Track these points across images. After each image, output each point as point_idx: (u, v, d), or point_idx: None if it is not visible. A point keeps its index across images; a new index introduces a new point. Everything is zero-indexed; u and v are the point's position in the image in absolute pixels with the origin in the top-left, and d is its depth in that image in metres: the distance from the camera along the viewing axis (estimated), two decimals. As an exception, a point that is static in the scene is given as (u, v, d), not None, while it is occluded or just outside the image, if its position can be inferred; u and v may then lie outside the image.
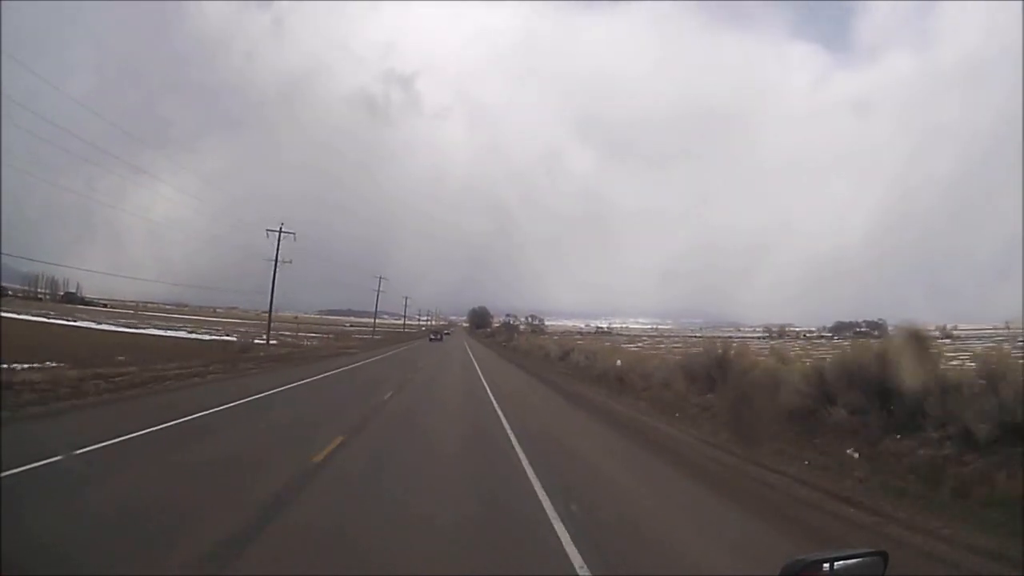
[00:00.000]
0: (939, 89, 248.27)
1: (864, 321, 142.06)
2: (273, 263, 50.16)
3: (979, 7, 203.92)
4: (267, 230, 50.73)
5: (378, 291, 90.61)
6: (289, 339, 58.71)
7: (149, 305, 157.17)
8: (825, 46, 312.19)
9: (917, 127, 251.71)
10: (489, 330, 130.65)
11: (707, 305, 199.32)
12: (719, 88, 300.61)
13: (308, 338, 65.49)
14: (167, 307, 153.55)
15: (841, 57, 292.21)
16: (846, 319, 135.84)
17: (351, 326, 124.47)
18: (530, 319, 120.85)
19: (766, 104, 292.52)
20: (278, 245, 50.59)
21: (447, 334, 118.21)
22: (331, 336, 74.28)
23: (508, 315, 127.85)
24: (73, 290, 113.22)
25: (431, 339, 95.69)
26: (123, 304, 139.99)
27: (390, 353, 53.19)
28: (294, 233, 50.98)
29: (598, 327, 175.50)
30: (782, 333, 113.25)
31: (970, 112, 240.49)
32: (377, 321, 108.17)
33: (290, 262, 50.48)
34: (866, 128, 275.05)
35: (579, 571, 5.58)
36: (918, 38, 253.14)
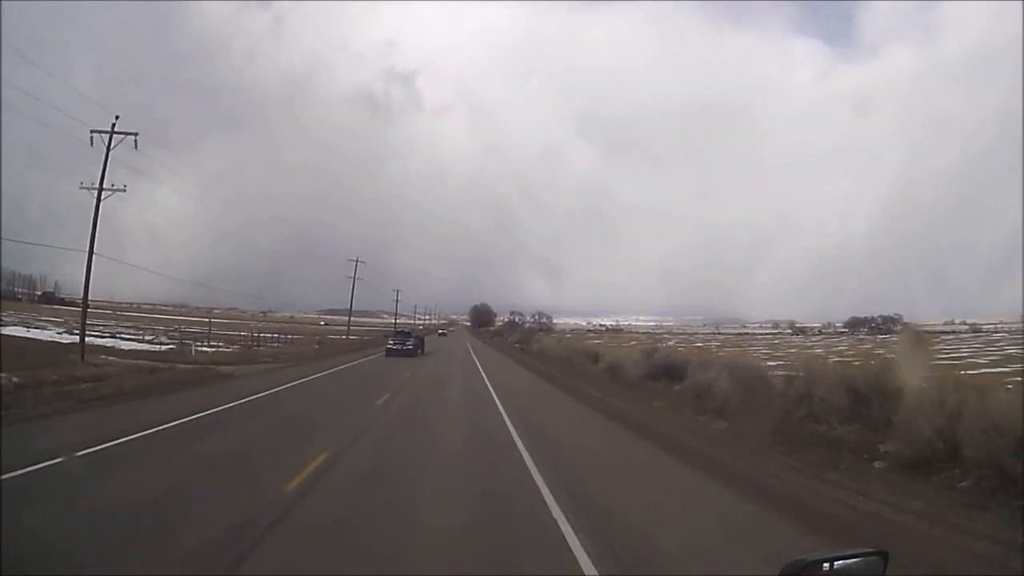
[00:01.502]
0: (942, 83, 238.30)
1: (880, 316, 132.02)
2: (96, 192, 26.39)
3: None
4: (91, 133, 26.59)
5: (354, 278, 67.04)
6: (193, 345, 38.66)
7: (143, 306, 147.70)
8: (827, 42, 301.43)
9: (919, 121, 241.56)
10: (493, 329, 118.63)
11: (708, 302, 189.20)
12: (721, 84, 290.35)
13: (237, 342, 44.64)
14: (165, 308, 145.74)
15: (843, 53, 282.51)
16: (860, 314, 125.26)
17: (325, 324, 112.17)
18: (537, 316, 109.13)
19: (768, 100, 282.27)
20: (106, 158, 26.80)
21: (443, 333, 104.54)
22: (275, 339, 50.30)
23: (513, 312, 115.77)
24: (51, 289, 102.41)
25: (392, 347, 45.39)
26: (110, 304, 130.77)
27: (320, 375, 27.64)
28: (136, 134, 27.17)
29: (601, 325, 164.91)
30: (804, 330, 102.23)
31: (973, 105, 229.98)
32: (373, 321, 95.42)
33: (124, 188, 27.69)
34: (868, 123, 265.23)
35: None
36: (920, 32, 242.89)
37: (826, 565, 2.21)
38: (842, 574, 2.24)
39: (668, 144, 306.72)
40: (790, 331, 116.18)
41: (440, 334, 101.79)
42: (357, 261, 68.99)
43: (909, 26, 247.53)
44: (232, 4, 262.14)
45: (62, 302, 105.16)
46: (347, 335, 69.07)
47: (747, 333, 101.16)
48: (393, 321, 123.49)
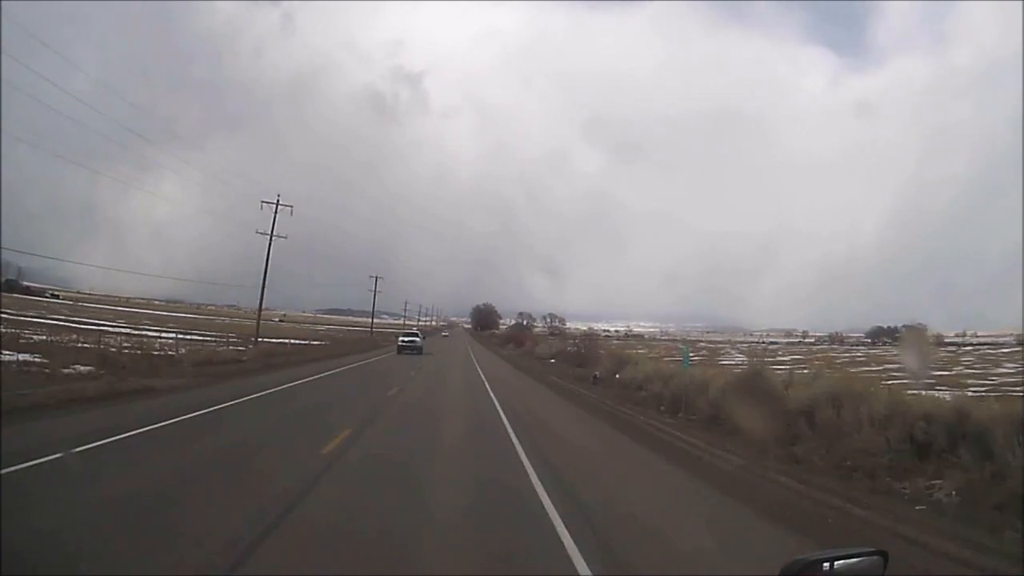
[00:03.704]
0: (953, 91, 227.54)
1: (903, 326, 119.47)
2: None
3: (993, 8, 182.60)
4: None
5: (269, 248, 36.90)
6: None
7: (132, 300, 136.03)
8: (838, 50, 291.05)
9: (930, 129, 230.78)
10: (499, 333, 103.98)
11: (710, 308, 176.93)
12: (730, 91, 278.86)
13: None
14: (157, 303, 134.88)
15: (853, 61, 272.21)
16: (860, 323, 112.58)
17: (280, 321, 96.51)
18: (549, 319, 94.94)
19: (778, 107, 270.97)
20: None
21: (409, 344, 48.12)
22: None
23: (522, 314, 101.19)
24: (13, 276, 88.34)
25: None
26: (87, 297, 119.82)
27: None
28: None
29: (605, 330, 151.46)
30: (842, 339, 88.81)
31: (985, 114, 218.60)
32: (368, 322, 79.94)
33: None
34: (878, 131, 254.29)
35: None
36: (932, 41, 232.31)
37: (826, 565, 2.09)
38: (842, 574, 2.11)
39: (675, 150, 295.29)
40: (810, 341, 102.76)
41: (404, 344, 45.56)
42: (277, 204, 37.86)
43: (920, 35, 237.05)
44: (240, 3, 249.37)
45: (27, 291, 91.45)
46: (255, 342, 34.79)
47: (788, 344, 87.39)
48: (401, 322, 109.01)
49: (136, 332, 29.83)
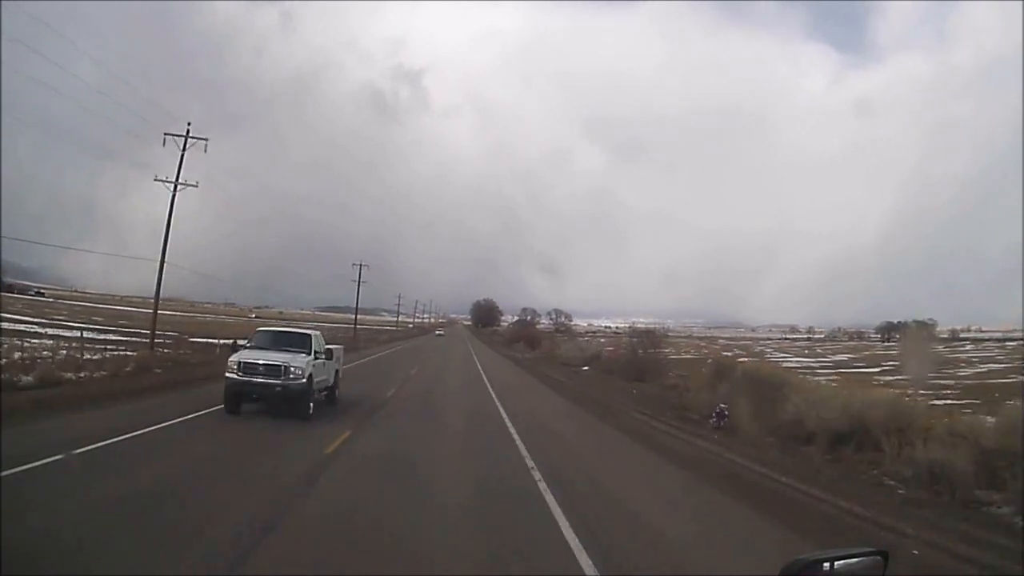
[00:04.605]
0: (953, 90, 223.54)
1: (914, 321, 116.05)
2: None
3: (994, 7, 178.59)
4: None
5: (173, 200, 28.70)
6: None
7: (126, 299, 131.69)
8: (838, 48, 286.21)
9: (931, 128, 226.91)
10: (500, 330, 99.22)
11: (712, 305, 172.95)
12: (731, 91, 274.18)
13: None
14: (151, 301, 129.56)
15: (854, 59, 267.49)
16: (865, 320, 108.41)
17: (256, 316, 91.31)
18: (555, 315, 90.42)
19: (779, 106, 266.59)
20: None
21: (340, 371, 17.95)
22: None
23: (525, 310, 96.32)
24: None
25: None
26: (78, 295, 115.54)
27: None
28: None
29: (606, 327, 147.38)
30: (861, 336, 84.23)
31: (985, 112, 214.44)
32: (367, 319, 74.62)
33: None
34: (880, 130, 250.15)
35: None
36: (932, 40, 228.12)
37: (826, 565, 2.03)
38: (842, 574, 2.05)
39: (676, 149, 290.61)
40: (819, 338, 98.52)
41: (237, 379, 13.14)
42: (187, 138, 28.50)
43: (921, 33, 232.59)
44: (240, 3, 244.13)
45: (10, 289, 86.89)
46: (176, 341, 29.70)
47: (804, 339, 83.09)
48: (398, 320, 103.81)
49: (40, 331, 24.94)
